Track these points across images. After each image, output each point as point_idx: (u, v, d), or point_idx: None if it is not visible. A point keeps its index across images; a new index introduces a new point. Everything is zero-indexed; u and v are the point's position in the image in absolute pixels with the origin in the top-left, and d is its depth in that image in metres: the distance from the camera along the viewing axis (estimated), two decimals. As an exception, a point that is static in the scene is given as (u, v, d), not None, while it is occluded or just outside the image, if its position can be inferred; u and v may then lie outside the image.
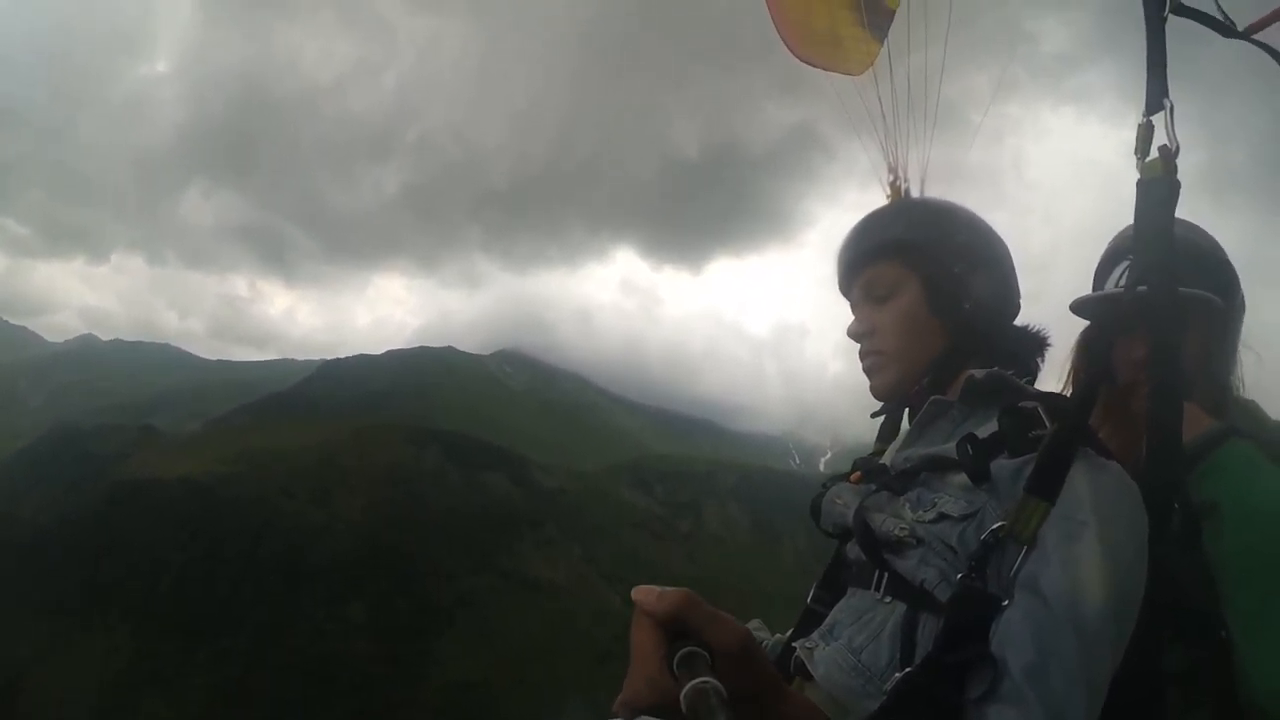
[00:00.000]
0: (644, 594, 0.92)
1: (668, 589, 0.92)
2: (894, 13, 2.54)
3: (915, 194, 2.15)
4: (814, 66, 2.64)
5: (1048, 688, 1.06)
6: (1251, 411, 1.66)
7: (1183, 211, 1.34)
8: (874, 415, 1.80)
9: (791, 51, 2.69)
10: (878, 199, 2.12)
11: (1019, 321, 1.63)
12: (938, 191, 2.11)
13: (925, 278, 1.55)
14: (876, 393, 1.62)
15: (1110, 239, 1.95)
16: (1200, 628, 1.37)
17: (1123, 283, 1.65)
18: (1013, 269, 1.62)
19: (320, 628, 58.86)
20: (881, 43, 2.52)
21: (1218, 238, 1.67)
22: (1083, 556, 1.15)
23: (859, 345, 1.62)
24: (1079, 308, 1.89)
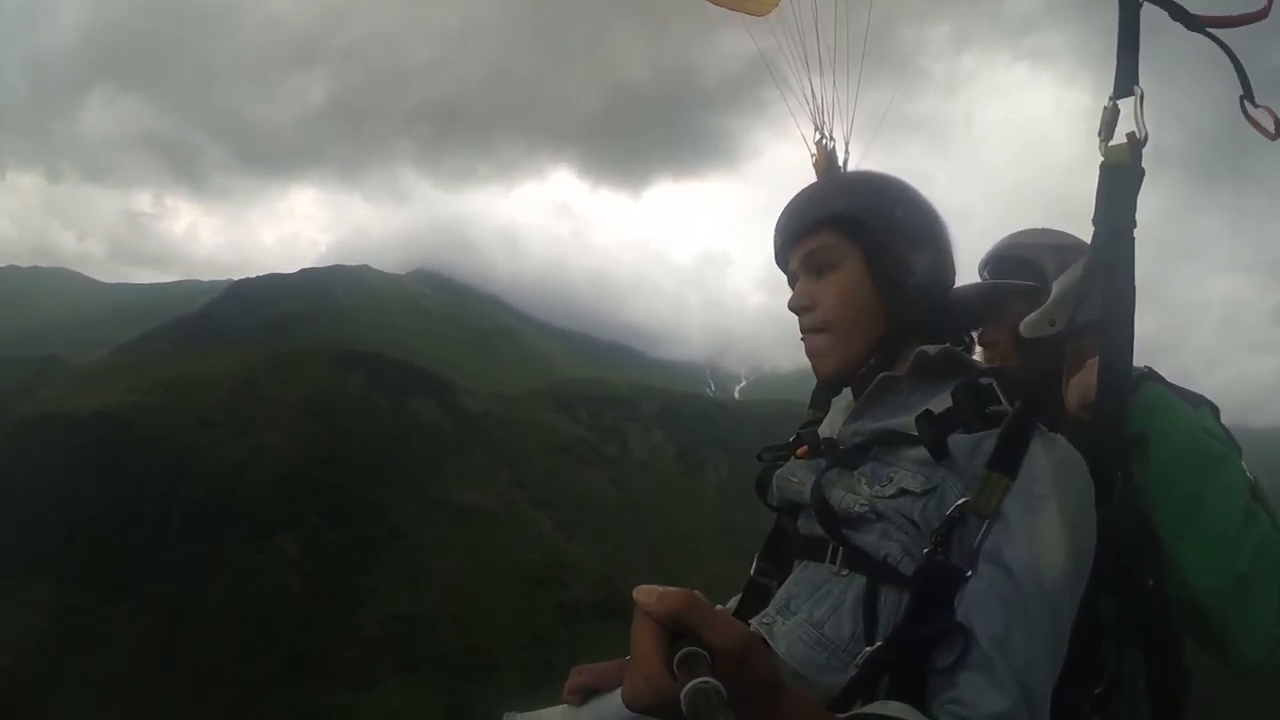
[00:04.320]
0: (644, 594, 0.92)
1: (669, 589, 0.92)
2: None
3: (840, 152, 2.21)
4: (720, 6, 2.58)
5: (1015, 654, 1.13)
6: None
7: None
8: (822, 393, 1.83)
9: None
10: (803, 156, 2.25)
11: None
12: (864, 147, 2.27)
13: (868, 252, 1.54)
14: (822, 377, 1.61)
15: (1010, 235, 2.10)
16: (1131, 578, 1.47)
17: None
18: (950, 245, 1.63)
19: (250, 565, 57.43)
20: None
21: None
22: (1045, 527, 1.22)
23: (799, 320, 1.60)
24: (1029, 328, 1.94)
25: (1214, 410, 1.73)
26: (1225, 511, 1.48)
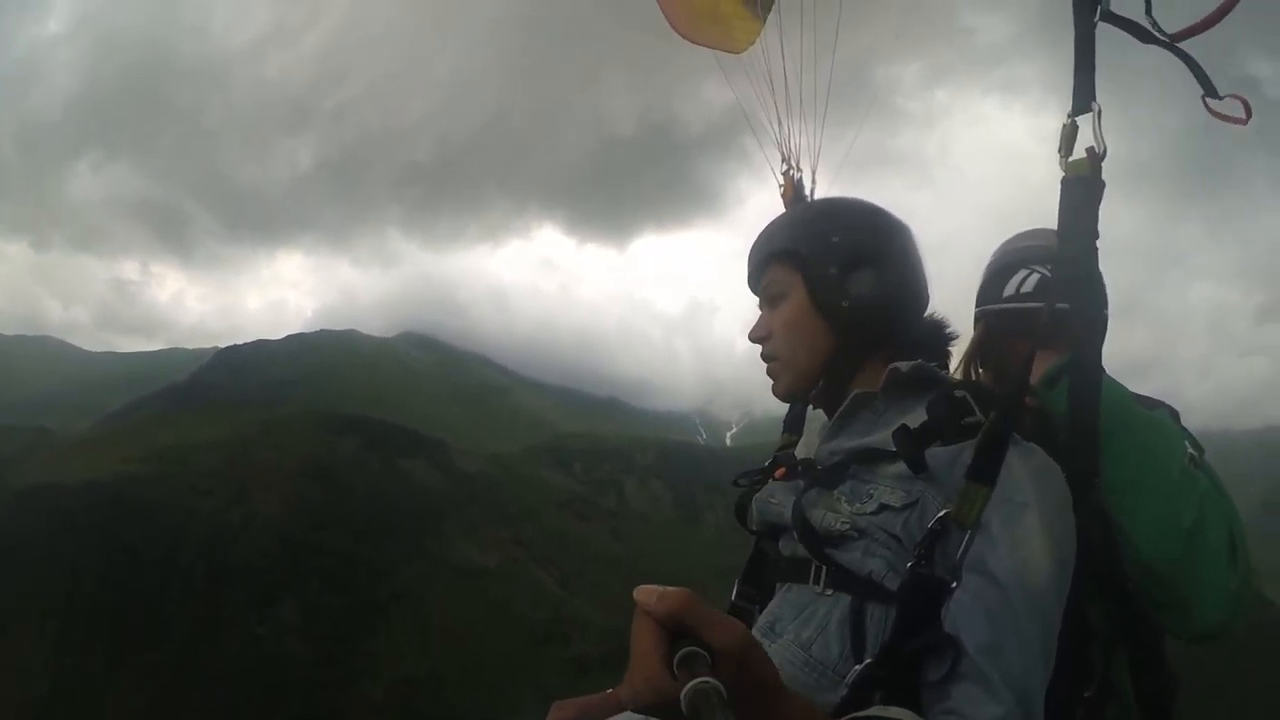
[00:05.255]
0: (644, 594, 0.92)
1: (669, 589, 0.92)
2: None
3: (808, 182, 2.27)
4: (697, 44, 2.69)
5: (1007, 662, 1.13)
6: None
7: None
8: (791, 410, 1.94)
9: (674, 28, 2.73)
10: (772, 189, 2.34)
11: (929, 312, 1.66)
12: (832, 178, 2.30)
13: (808, 280, 1.58)
14: (777, 397, 1.68)
15: (1005, 241, 2.04)
16: (1111, 579, 1.48)
17: (1024, 289, 1.86)
18: (909, 262, 1.61)
19: (252, 632, 56.18)
20: (763, 21, 2.54)
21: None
22: (1027, 535, 1.22)
23: (759, 349, 1.66)
24: (987, 315, 1.98)
25: (1173, 413, 1.74)
26: (1166, 468, 1.50)
